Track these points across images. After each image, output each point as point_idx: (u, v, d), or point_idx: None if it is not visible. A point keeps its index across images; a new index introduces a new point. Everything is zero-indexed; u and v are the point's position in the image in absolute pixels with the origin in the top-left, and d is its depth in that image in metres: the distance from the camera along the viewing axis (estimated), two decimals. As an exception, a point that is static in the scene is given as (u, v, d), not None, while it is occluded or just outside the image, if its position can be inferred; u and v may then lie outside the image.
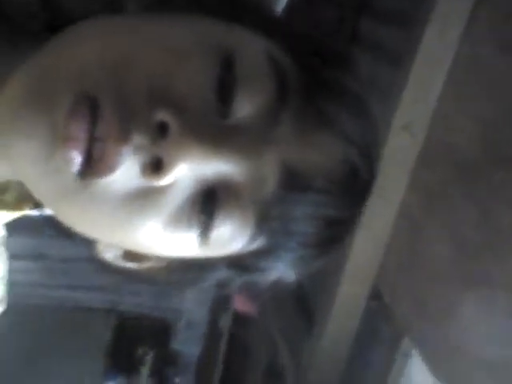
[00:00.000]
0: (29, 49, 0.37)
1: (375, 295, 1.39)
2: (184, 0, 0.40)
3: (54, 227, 0.42)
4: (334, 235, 0.41)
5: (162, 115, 0.33)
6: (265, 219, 0.37)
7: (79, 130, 0.32)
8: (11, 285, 0.52)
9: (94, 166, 0.33)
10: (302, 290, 1.72)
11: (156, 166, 0.33)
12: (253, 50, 0.37)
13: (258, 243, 0.38)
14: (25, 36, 0.41)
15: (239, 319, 2.42)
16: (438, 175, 1.16)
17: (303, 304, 1.72)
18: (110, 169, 0.33)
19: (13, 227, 0.50)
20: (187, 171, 0.34)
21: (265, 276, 0.42)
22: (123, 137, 0.33)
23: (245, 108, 0.35)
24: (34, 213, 0.47)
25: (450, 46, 1.09)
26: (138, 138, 0.33)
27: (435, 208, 1.18)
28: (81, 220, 0.38)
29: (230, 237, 0.38)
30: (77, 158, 0.33)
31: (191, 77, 0.35)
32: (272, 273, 0.42)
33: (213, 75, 0.35)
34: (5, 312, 0.51)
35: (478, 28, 1.06)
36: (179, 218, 0.36)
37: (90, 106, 0.32)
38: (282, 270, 0.42)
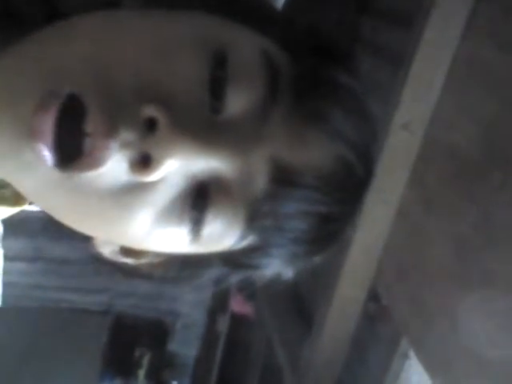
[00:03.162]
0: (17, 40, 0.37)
1: (373, 297, 1.39)
2: None
3: (51, 224, 0.41)
4: (326, 232, 0.40)
5: (150, 111, 0.33)
6: (255, 216, 0.37)
7: (45, 123, 0.32)
8: (9, 286, 0.51)
9: (81, 159, 0.32)
10: (300, 292, 1.72)
11: (144, 162, 0.33)
12: (247, 45, 0.37)
13: (250, 240, 0.38)
14: (21, 28, 0.41)
15: (237, 321, 2.41)
16: (438, 174, 1.16)
17: (301, 306, 1.72)
18: (97, 163, 0.33)
19: (11, 228, 0.50)
20: (177, 167, 0.34)
21: (259, 272, 0.42)
22: (110, 132, 0.32)
23: (236, 104, 0.35)
24: (32, 208, 0.47)
25: (450, 44, 1.09)
26: (125, 133, 0.32)
27: (434, 208, 1.17)
28: (68, 213, 0.37)
29: (220, 233, 0.37)
30: (46, 151, 0.32)
31: (182, 71, 0.34)
32: (266, 269, 0.41)
33: (204, 70, 0.35)
34: (2, 313, 0.50)
35: (478, 27, 1.06)
36: (170, 214, 0.36)
37: (64, 101, 0.32)
38: (277, 267, 0.41)
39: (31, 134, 0.32)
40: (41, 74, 0.33)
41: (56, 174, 0.33)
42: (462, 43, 1.09)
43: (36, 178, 0.34)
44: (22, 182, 0.36)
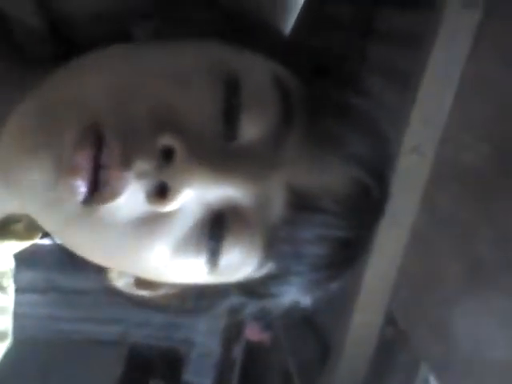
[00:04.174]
0: (35, 79, 0.37)
1: (390, 321, 1.37)
2: (189, 25, 0.41)
3: (63, 256, 0.41)
4: (345, 257, 0.40)
5: (167, 140, 0.33)
6: (273, 243, 0.36)
7: (84, 160, 0.32)
8: (21, 318, 0.51)
9: (98, 192, 0.33)
10: (316, 318, 1.70)
11: (161, 192, 0.33)
12: (258, 72, 0.37)
13: (268, 268, 0.38)
14: (33, 66, 0.42)
15: (252, 349, 2.39)
16: (450, 195, 1.15)
17: (317, 333, 1.70)
18: (114, 195, 0.33)
19: (22, 260, 0.50)
20: (194, 196, 0.34)
21: (277, 301, 0.41)
22: (125, 163, 0.33)
23: (250, 131, 0.35)
24: (44, 242, 0.47)
25: (457, 65, 1.09)
26: (141, 164, 0.33)
27: (448, 228, 1.16)
28: (88, 247, 0.37)
29: (238, 262, 0.37)
30: (81, 187, 0.33)
31: (196, 102, 0.35)
32: (284, 297, 0.41)
33: (218, 99, 0.35)
34: (14, 345, 0.50)
35: (484, 46, 1.06)
36: (187, 244, 0.36)
37: (95, 137, 0.33)
38: (295, 294, 0.41)
39: (70, 171, 0.32)
40: (68, 110, 0.34)
41: (80, 208, 0.33)
42: (469, 63, 1.09)
43: (62, 214, 0.34)
44: (46, 218, 0.37)
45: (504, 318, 0.98)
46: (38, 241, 0.47)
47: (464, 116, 1.12)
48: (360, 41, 1.32)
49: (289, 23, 0.50)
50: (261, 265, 0.37)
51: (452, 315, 1.14)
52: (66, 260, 0.41)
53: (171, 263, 0.37)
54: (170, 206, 0.34)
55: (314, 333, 1.69)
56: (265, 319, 0.44)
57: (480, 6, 1.03)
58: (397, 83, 1.25)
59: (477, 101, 1.08)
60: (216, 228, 0.36)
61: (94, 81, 0.35)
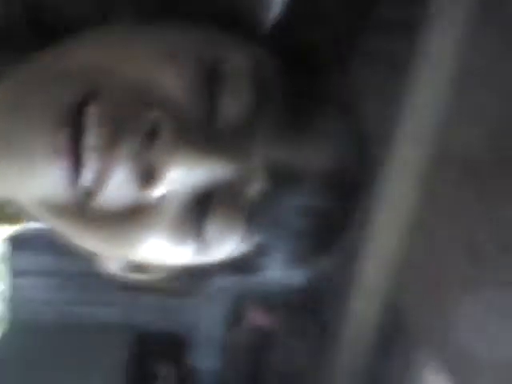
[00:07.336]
0: (11, 65, 0.38)
1: (389, 308, 1.38)
2: (176, 10, 0.42)
3: (57, 240, 0.42)
4: (325, 228, 0.41)
5: (153, 116, 0.34)
6: (254, 215, 0.38)
7: (64, 143, 0.33)
8: (26, 302, 0.52)
9: (88, 176, 0.34)
10: (318, 305, 1.71)
11: (148, 175, 0.34)
12: (240, 56, 0.38)
13: (253, 242, 0.39)
14: (9, 51, 0.42)
15: (256, 333, 2.40)
16: (449, 182, 1.15)
17: (319, 319, 1.71)
18: (103, 178, 0.34)
19: (26, 243, 0.50)
20: (179, 178, 0.35)
21: (264, 275, 0.43)
22: (112, 145, 0.33)
23: (230, 111, 0.37)
24: (35, 225, 0.48)
25: (455, 51, 1.08)
26: (127, 145, 0.34)
27: (447, 215, 1.16)
28: (78, 235, 0.39)
29: (223, 237, 0.39)
30: (65, 170, 0.33)
31: (178, 84, 0.36)
32: (270, 271, 0.42)
33: (200, 81, 0.36)
34: (20, 329, 0.50)
35: (483, 33, 1.05)
36: (177, 226, 0.37)
37: (75, 118, 0.33)
38: (280, 267, 0.42)
39: (56, 155, 0.33)
40: (47, 92, 0.34)
41: (67, 197, 0.34)
42: (468, 47, 1.08)
43: (53, 197, 0.35)
44: (34, 205, 0.37)
45: (504, 305, 0.99)
46: (28, 224, 0.48)
47: (462, 103, 1.11)
48: (354, 28, 1.31)
49: (274, 8, 0.50)
50: (245, 239, 0.39)
51: (452, 302, 1.14)
52: (64, 244, 0.42)
53: (161, 246, 0.38)
54: (158, 189, 0.35)
55: (314, 319, 1.70)
56: (267, 302, 0.45)
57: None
58: (394, 70, 1.24)
59: (475, 88, 1.08)
60: (202, 206, 0.37)
61: (74, 63, 0.36)
